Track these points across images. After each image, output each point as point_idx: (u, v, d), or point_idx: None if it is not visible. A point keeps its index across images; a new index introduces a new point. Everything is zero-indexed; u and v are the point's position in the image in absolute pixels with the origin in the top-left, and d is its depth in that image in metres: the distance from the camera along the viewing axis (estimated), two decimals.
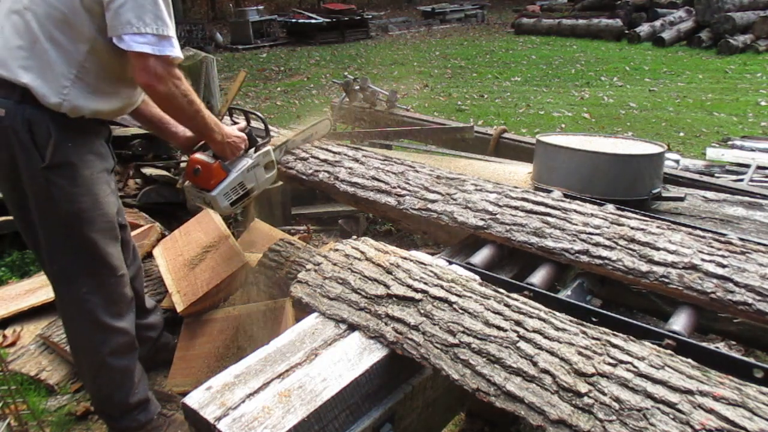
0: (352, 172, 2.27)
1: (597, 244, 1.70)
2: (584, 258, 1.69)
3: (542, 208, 1.88)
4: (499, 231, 1.85)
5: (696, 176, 2.71)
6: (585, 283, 1.73)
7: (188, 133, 2.00)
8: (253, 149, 2.00)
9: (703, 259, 1.58)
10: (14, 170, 1.58)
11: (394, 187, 2.14)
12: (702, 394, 1.06)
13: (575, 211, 1.85)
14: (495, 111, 6.87)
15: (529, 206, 1.91)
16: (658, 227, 1.72)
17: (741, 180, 3.42)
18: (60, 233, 1.64)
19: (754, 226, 2.01)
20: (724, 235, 1.73)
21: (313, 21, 13.91)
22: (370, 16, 15.38)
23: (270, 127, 2.15)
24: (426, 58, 11.16)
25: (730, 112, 6.29)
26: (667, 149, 2.45)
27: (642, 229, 1.72)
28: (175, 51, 1.52)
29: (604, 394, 1.10)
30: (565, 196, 2.04)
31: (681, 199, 2.19)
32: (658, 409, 1.05)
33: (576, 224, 1.79)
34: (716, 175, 3.68)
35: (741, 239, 1.70)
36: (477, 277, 1.57)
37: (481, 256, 1.83)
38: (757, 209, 2.09)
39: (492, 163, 2.91)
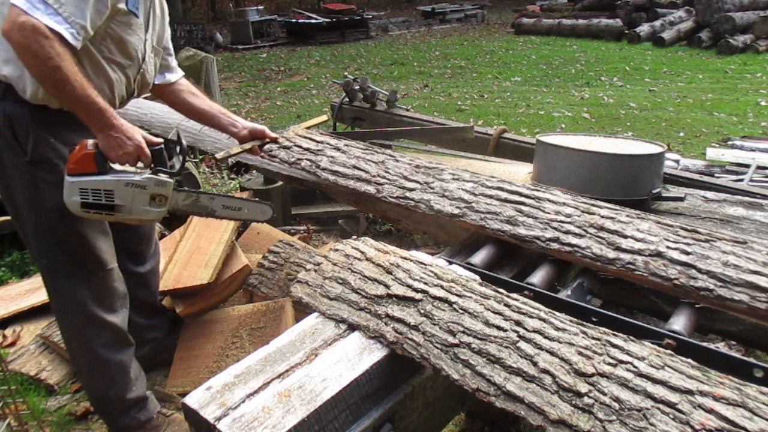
0: (333, 160, 2.28)
1: (567, 232, 1.73)
2: (554, 245, 1.72)
3: (516, 197, 1.91)
4: (473, 219, 1.88)
5: (696, 176, 2.70)
6: (585, 283, 1.73)
7: (243, 125, 2.00)
8: (149, 170, 1.67)
9: (668, 247, 1.61)
10: (3, 166, 1.60)
11: (374, 176, 2.15)
12: (702, 394, 1.06)
13: (548, 200, 1.88)
14: (495, 111, 6.88)
15: (503, 195, 1.93)
16: (627, 216, 1.76)
17: (741, 180, 3.42)
18: (47, 227, 1.66)
19: (754, 226, 2.01)
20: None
21: (313, 21, 13.92)
22: (370, 16, 15.39)
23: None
24: (426, 58, 11.16)
25: (730, 112, 6.29)
26: (667, 149, 2.45)
27: (612, 218, 1.75)
28: (44, 17, 1.39)
29: (604, 394, 1.10)
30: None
31: (681, 199, 2.19)
32: (658, 409, 1.05)
33: (548, 213, 1.82)
34: (716, 175, 3.68)
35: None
36: (477, 277, 1.57)
37: (481, 256, 1.83)
38: (757, 209, 2.09)
39: (492, 163, 2.91)
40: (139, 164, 1.65)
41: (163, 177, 1.67)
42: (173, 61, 1.98)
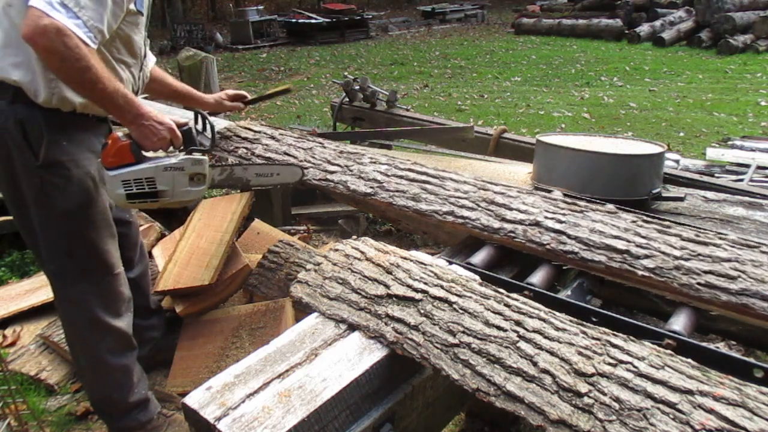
0: (267, 148, 2.44)
1: (462, 206, 1.93)
2: (450, 218, 1.92)
3: (423, 177, 2.10)
4: (383, 197, 2.07)
5: (696, 176, 2.70)
6: (585, 283, 1.73)
7: (212, 97, 2.06)
8: (183, 151, 1.71)
9: (546, 217, 1.81)
10: (11, 169, 1.59)
11: (301, 161, 2.33)
12: (702, 394, 1.06)
13: (451, 179, 2.08)
14: (495, 111, 6.87)
15: (412, 175, 2.12)
16: (517, 191, 1.97)
17: (741, 180, 3.42)
18: (57, 231, 1.65)
19: (754, 226, 2.01)
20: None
21: (313, 21, 13.91)
22: (370, 16, 15.38)
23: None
24: (426, 58, 11.16)
25: (730, 112, 6.29)
26: (667, 149, 2.44)
27: (502, 193, 1.96)
28: (64, 18, 1.38)
29: (604, 394, 1.10)
30: (565, 195, 2.05)
31: (681, 199, 2.19)
32: (658, 409, 1.05)
33: (448, 190, 2.01)
34: (716, 175, 3.68)
35: (588, 200, 1.93)
36: (477, 277, 1.57)
37: (481, 256, 1.83)
38: (757, 209, 2.09)
39: (492, 163, 2.91)
40: (170, 148, 1.69)
41: (198, 155, 1.71)
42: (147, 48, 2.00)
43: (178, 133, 1.66)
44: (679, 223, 1.75)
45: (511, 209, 1.87)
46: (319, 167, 2.27)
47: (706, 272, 1.51)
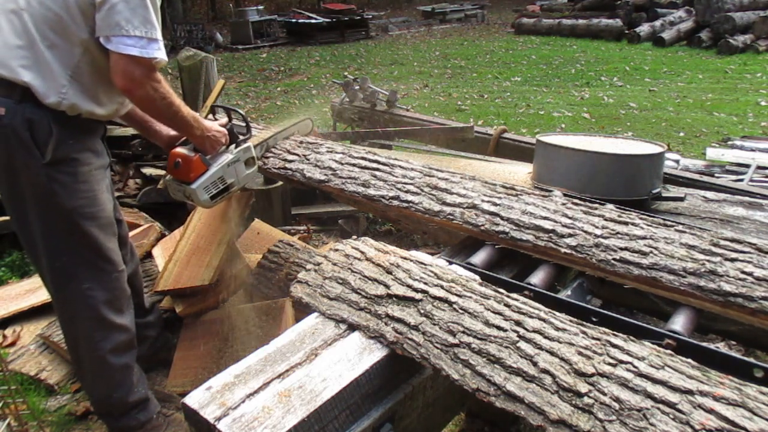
0: None
1: (407, 191, 2.03)
2: (395, 203, 2.01)
3: (374, 165, 2.19)
4: (336, 183, 2.16)
5: (696, 176, 2.70)
6: (585, 283, 1.73)
7: (171, 132, 2.03)
8: (233, 145, 2.01)
9: (483, 200, 1.91)
10: (12, 170, 1.59)
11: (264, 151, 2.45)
12: (702, 394, 1.06)
13: (399, 166, 2.17)
14: (495, 111, 6.87)
15: (364, 163, 2.21)
16: (460, 177, 2.07)
17: (741, 180, 3.42)
18: (61, 229, 1.65)
19: (754, 226, 2.01)
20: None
21: (313, 21, 13.91)
22: (370, 16, 15.37)
23: (252, 125, 2.23)
24: (426, 58, 11.15)
25: (730, 112, 6.29)
26: (667, 149, 2.44)
27: (446, 179, 2.05)
28: (161, 53, 1.54)
29: (604, 394, 1.10)
30: (565, 195, 2.05)
31: (681, 199, 2.19)
32: (658, 409, 1.05)
33: (396, 177, 2.11)
34: (716, 175, 3.68)
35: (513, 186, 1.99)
36: (477, 277, 1.57)
37: (481, 256, 1.83)
38: (757, 209, 2.09)
39: (492, 163, 2.91)
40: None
41: (245, 144, 2.04)
42: None
43: (227, 134, 1.95)
44: (679, 222, 1.75)
45: (451, 193, 1.96)
46: (279, 157, 2.37)
47: (621, 249, 1.63)
